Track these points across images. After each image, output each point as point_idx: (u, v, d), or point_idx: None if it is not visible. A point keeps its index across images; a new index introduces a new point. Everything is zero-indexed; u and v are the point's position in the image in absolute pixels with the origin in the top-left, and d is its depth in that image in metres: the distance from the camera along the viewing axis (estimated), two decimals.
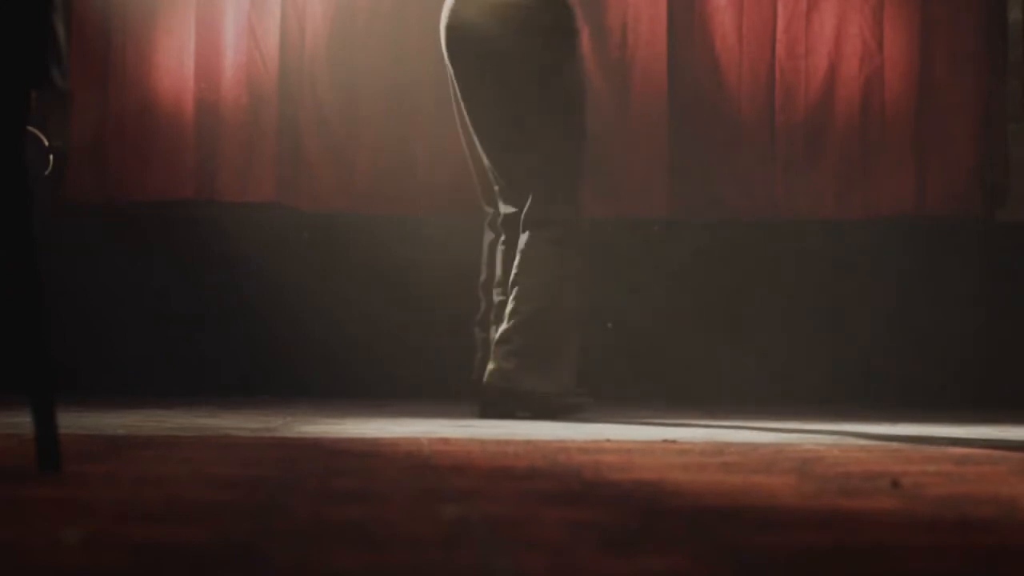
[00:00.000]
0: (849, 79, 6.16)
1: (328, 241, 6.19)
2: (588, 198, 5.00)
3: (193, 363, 6.10)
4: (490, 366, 4.87)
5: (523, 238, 4.91)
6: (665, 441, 3.89)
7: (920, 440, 4.10)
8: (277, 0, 6.11)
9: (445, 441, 3.82)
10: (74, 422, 4.13)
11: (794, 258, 6.22)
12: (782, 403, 5.80)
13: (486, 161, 4.99)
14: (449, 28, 4.95)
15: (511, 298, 4.90)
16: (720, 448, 3.67)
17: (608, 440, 3.91)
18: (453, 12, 4.93)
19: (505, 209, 4.98)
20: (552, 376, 4.86)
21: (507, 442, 3.79)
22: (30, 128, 3.04)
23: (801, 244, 6.23)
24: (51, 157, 3.16)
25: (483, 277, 5.12)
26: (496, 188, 5.02)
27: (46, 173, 3.19)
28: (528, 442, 3.80)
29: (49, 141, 3.13)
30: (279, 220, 6.15)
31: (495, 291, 5.04)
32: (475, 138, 4.98)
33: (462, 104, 4.97)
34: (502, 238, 5.02)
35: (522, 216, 4.91)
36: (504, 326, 4.89)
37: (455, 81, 4.98)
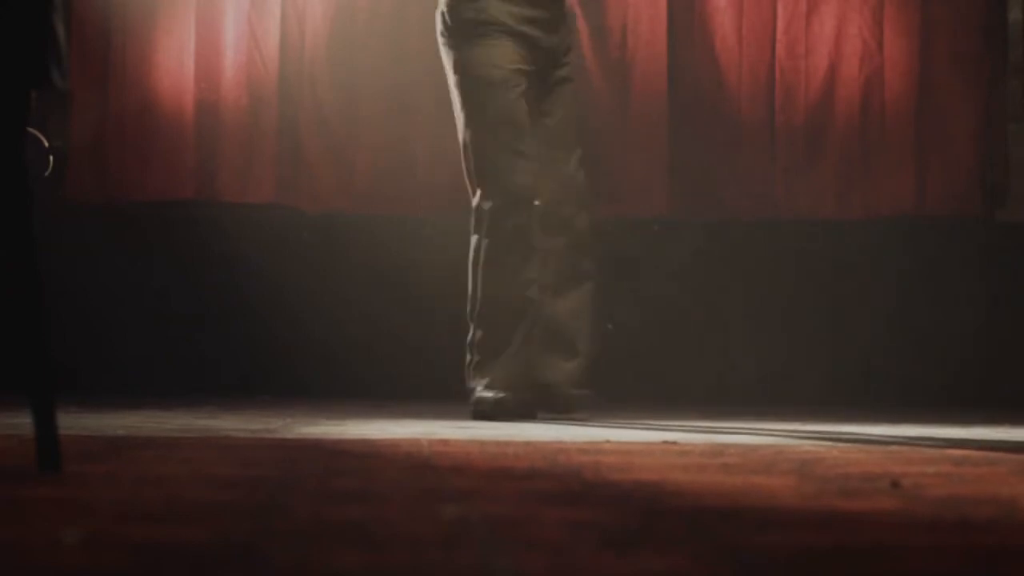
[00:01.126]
0: (849, 79, 6.16)
1: (328, 241, 6.19)
2: (524, 181, 4.84)
3: (193, 363, 6.10)
4: None
5: None
6: (665, 442, 3.89)
7: (920, 441, 4.10)
8: (277, 1, 6.11)
9: (445, 442, 3.82)
10: (74, 423, 4.12)
11: (794, 258, 6.22)
12: (782, 404, 5.80)
13: None
14: None
15: None
16: (720, 449, 3.67)
17: (608, 441, 3.91)
18: None
19: None
20: (486, 373, 4.88)
21: (507, 443, 3.79)
22: (30, 129, 3.05)
23: (801, 244, 6.23)
24: (51, 158, 3.15)
25: None
26: None
27: (46, 174, 3.18)
28: (528, 443, 3.81)
29: (49, 141, 3.13)
30: (279, 220, 6.15)
31: None
32: None
33: None
34: None
35: None
36: None
37: None
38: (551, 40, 4.97)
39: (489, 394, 4.84)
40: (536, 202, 4.90)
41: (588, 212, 5.06)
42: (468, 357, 4.93)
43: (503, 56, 4.84)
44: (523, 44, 4.89)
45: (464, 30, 4.87)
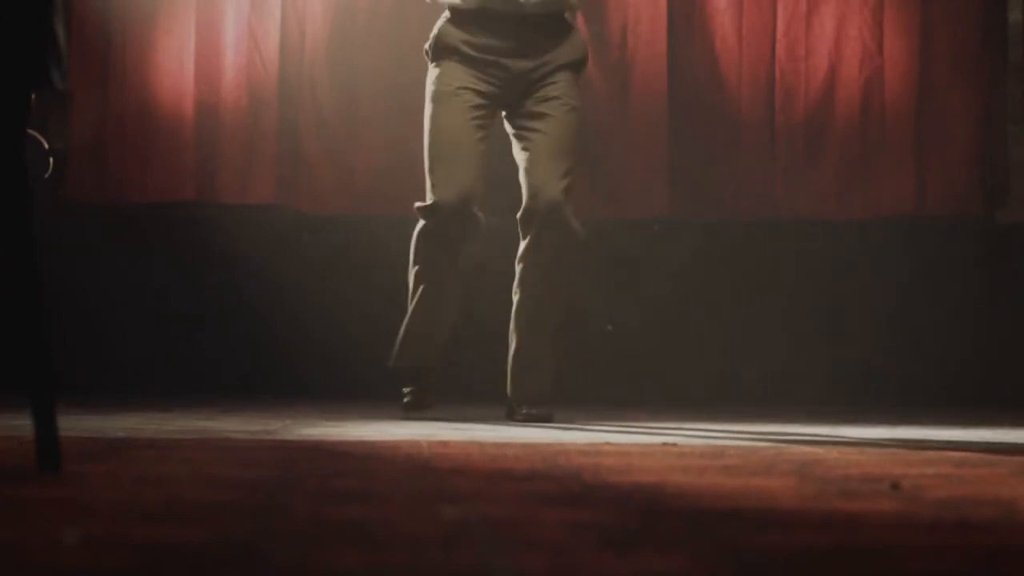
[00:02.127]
0: (849, 80, 6.16)
1: (328, 241, 6.19)
2: (442, 196, 4.84)
3: (193, 363, 6.10)
4: None
5: None
6: (665, 444, 3.89)
7: (919, 442, 4.10)
8: (277, 2, 6.11)
9: (445, 443, 3.82)
10: (74, 424, 4.12)
11: (794, 258, 6.22)
12: (782, 405, 5.79)
13: None
14: None
15: None
16: (720, 450, 3.67)
17: (607, 443, 3.91)
18: None
19: None
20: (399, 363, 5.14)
21: (506, 445, 3.79)
22: (30, 131, 3.05)
23: (801, 244, 6.23)
24: (51, 160, 3.15)
25: None
26: None
27: (46, 176, 3.18)
28: (527, 445, 3.81)
29: (49, 142, 3.13)
30: (279, 220, 6.15)
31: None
32: None
33: None
34: None
35: None
36: None
37: None
38: (523, 64, 4.89)
39: (409, 395, 5.06)
40: (487, 215, 4.98)
41: (561, 230, 4.84)
42: None
43: (449, 76, 4.90)
44: (479, 67, 4.89)
45: (432, 52, 4.94)
